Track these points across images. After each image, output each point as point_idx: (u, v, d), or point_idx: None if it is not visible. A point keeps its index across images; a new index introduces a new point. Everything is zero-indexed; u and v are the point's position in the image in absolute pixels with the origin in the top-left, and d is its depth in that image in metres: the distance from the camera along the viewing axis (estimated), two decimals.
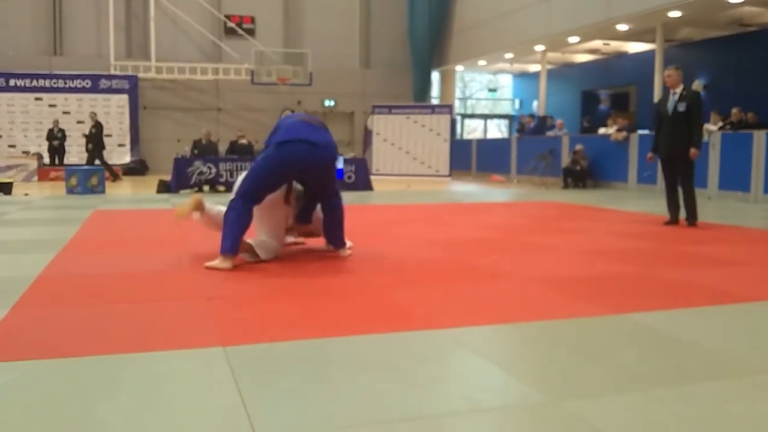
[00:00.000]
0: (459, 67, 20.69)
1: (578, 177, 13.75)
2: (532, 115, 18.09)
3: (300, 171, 4.69)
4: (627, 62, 17.75)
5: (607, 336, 2.98)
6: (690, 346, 2.80)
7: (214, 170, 12.22)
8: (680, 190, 7.07)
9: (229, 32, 19.05)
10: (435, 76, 20.86)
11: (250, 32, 19.13)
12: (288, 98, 19.66)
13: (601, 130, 14.39)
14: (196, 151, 13.02)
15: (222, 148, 13.88)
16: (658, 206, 9.48)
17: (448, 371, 2.53)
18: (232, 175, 12.21)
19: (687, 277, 4.25)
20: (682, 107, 6.87)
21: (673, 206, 7.16)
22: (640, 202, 10.32)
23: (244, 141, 13.81)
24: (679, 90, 6.94)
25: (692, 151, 6.81)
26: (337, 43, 20.17)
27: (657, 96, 13.47)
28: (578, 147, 13.86)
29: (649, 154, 7.32)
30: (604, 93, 19.30)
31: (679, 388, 2.30)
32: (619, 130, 13.20)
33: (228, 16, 19.11)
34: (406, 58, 20.22)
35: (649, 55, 15.15)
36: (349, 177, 12.72)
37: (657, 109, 7.25)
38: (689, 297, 3.71)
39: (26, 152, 16.57)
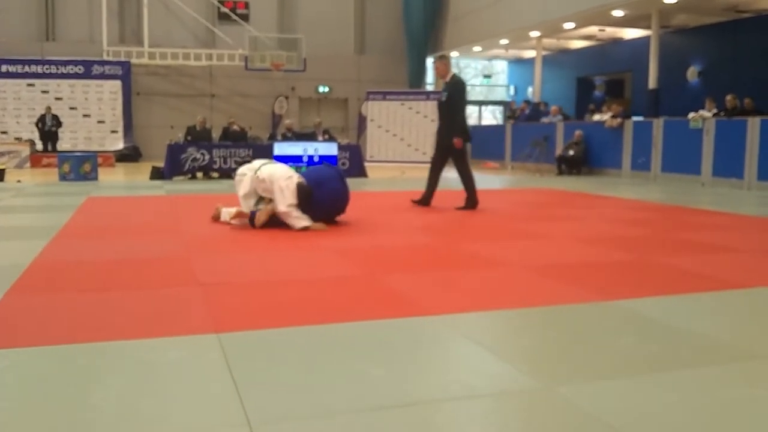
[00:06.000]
0: (454, 53, 20.57)
1: (572, 164, 13.74)
2: (527, 101, 18.03)
3: None
4: (622, 48, 17.69)
5: (601, 322, 2.99)
6: (683, 333, 2.81)
7: (207, 157, 12.17)
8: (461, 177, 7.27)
9: (223, 17, 18.89)
10: (430, 62, 20.75)
11: (244, 17, 18.98)
12: (282, 84, 19.55)
13: (596, 117, 14.37)
14: (189, 138, 12.92)
15: (215, 135, 13.81)
16: (653, 193, 9.50)
17: (443, 357, 2.53)
18: (225, 162, 12.16)
19: (680, 263, 4.26)
20: (443, 97, 7.23)
21: (427, 188, 7.37)
22: (634, 188, 10.33)
23: (236, 127, 13.73)
24: (448, 80, 7.21)
25: (455, 140, 7.07)
26: (332, 28, 20.03)
27: (652, 83, 13.46)
28: (577, 133, 13.83)
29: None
30: (599, 79, 19.25)
31: (672, 374, 2.31)
32: (613, 117, 13.19)
33: (222, 2, 18.94)
34: (401, 44, 20.10)
35: (644, 42, 15.10)
36: (344, 163, 12.67)
37: None
38: (683, 283, 3.72)
39: (18, 139, 16.45)
